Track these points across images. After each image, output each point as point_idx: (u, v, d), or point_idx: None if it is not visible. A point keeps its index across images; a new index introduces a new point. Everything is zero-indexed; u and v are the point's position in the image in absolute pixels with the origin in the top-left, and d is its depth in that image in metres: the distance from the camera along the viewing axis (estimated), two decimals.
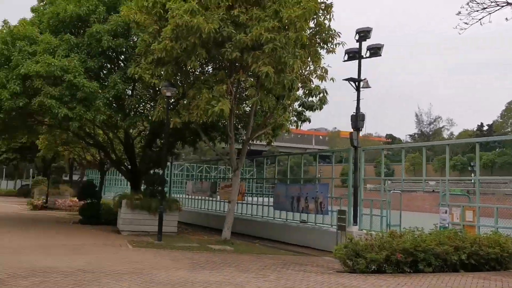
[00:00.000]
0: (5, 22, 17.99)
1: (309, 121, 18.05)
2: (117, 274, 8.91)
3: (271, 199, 20.84)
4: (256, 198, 23.15)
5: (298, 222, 18.31)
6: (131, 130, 21.13)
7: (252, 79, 15.83)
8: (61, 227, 18.88)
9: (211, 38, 13.87)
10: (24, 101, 16.21)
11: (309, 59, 16.02)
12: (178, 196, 27.65)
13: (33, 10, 19.97)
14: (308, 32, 15.18)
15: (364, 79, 16.21)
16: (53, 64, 15.68)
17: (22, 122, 19.76)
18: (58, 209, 30.22)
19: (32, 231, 16.89)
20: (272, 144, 20.38)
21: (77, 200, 27.07)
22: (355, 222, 15.58)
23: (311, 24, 15.22)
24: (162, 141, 21.59)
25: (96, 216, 20.86)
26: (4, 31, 17.41)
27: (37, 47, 16.64)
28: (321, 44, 16.04)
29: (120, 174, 31.37)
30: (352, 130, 16.18)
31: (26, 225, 18.94)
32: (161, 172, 18.67)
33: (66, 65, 15.85)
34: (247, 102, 18.73)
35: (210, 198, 24.94)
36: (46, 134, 25.50)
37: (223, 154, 19.74)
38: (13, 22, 18.37)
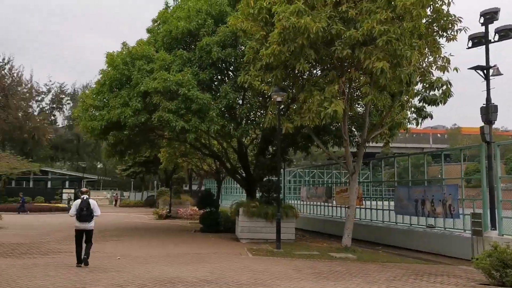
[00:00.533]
0: (124, 44, 19.33)
1: (431, 117, 16.58)
2: (240, 285, 8.73)
3: (391, 203, 19.55)
4: (374, 202, 21.98)
5: (424, 227, 16.88)
6: (243, 139, 21.38)
7: (363, 77, 14.94)
8: (184, 236, 19.61)
9: (319, 38, 13.36)
10: (145, 117, 17.13)
11: (426, 50, 14.74)
12: (292, 202, 27.40)
13: (148, 31, 21.30)
14: (425, 20, 13.94)
15: (494, 66, 14.41)
16: (168, 79, 16.39)
17: (144, 137, 21.03)
18: (180, 218, 31.79)
19: (158, 240, 17.73)
20: (390, 144, 19.14)
21: (197, 209, 28.14)
22: (493, 226, 13.82)
23: (428, 12, 13.94)
24: (274, 148, 21.53)
25: (216, 224, 21.40)
26: (124, 52, 18.68)
27: (154, 64, 17.56)
28: (440, 32, 14.65)
29: (235, 182, 32.11)
30: (483, 123, 14.43)
31: (153, 234, 20.01)
32: (275, 178, 18.51)
33: (180, 79, 16.47)
34: (359, 101, 17.89)
35: (326, 204, 24.26)
36: (166, 147, 27.03)
37: (337, 158, 18.98)
38: (131, 43, 19.73)
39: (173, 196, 35.57)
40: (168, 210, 33.49)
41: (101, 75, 19.12)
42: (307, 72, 16.08)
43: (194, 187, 55.19)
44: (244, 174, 22.74)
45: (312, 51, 13.84)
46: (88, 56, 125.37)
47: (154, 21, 21.51)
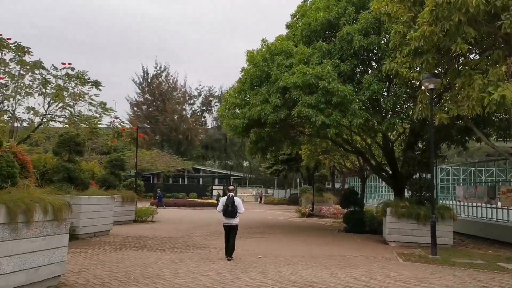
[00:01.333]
0: (263, 40, 19.32)
1: None
2: None
3: None
4: None
5: None
6: (389, 133, 19.81)
7: None
8: (327, 236, 18.86)
9: (480, 12, 11.44)
10: (285, 113, 16.81)
11: None
12: (445, 203, 24.77)
13: (287, 26, 21.05)
14: None
15: None
16: (307, 73, 15.82)
17: (285, 134, 20.82)
18: (323, 216, 31.14)
19: (300, 239, 17.25)
20: None
21: (340, 207, 27.20)
22: None
23: None
24: (424, 142, 19.54)
25: (360, 224, 20.31)
26: (263, 49, 18.63)
27: (293, 59, 17.17)
28: None
29: (380, 180, 30.39)
30: None
31: (295, 233, 19.65)
32: (427, 176, 16.71)
33: (320, 72, 15.78)
34: None
35: (488, 205, 21.31)
36: (307, 144, 26.59)
37: (506, 153, 16.33)
38: (270, 39, 19.63)
39: (315, 194, 35.12)
40: (310, 208, 33.12)
41: (242, 74, 19.39)
42: (464, 54, 14.08)
43: (337, 185, 54.10)
44: (390, 172, 21.14)
45: (471, 29, 11.94)
46: (235, 60, 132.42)
47: (293, 15, 21.20)
